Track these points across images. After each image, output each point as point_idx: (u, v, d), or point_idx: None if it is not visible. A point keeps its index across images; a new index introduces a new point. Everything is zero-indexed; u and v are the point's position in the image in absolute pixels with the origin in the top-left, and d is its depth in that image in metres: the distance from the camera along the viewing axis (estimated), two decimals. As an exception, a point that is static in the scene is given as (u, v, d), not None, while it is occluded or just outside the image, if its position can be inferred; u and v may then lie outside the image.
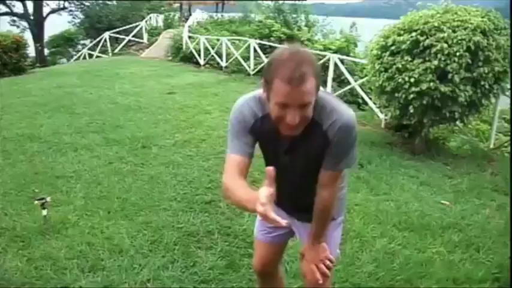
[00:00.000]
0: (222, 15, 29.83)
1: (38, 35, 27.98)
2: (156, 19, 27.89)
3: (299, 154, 1.96)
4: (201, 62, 16.71)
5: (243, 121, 1.90)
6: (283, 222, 1.35)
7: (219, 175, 5.35)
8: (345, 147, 1.89)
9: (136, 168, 5.65)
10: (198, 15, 28.82)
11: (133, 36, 24.64)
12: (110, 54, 23.27)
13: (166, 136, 7.07)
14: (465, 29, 5.86)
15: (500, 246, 3.95)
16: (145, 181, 5.25)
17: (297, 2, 16.90)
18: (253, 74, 14.12)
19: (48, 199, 4.05)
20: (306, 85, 1.63)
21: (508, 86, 6.57)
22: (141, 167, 5.73)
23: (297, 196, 2.15)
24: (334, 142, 1.84)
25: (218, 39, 16.45)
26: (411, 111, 6.11)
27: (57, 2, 30.95)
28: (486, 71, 5.87)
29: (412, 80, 5.89)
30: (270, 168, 1.42)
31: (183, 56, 17.97)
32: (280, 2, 16.93)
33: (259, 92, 1.86)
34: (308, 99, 1.67)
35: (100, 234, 3.97)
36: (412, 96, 5.97)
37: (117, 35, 24.66)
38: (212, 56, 16.25)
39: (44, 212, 3.96)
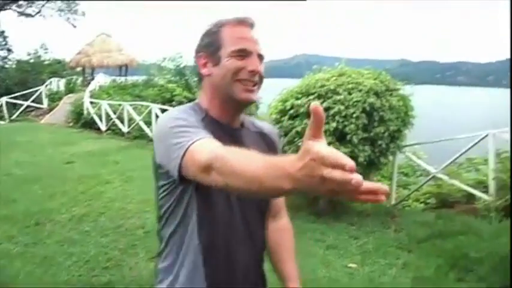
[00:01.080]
0: (125, 79, 29.48)
1: None
2: (58, 83, 27.07)
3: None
4: (103, 128, 16.27)
5: (188, 120, 1.43)
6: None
7: (118, 252, 5.05)
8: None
9: (26, 250, 5.16)
10: (101, 79, 28.30)
11: (32, 102, 23.75)
12: (7, 120, 22.20)
13: (63, 210, 6.62)
14: (360, 91, 6.04)
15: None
16: (37, 263, 4.78)
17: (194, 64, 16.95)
18: (156, 140, 13.82)
19: None
20: (254, 32, 1.53)
21: (403, 143, 6.79)
22: (33, 247, 5.25)
23: (253, 244, 1.63)
24: (280, 151, 1.72)
25: (120, 104, 16.14)
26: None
27: None
28: (382, 131, 6.05)
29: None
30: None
31: (84, 122, 17.45)
32: (182, 65, 16.94)
33: (187, 104, 1.62)
34: (262, 52, 1.53)
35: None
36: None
37: (15, 101, 23.68)
38: (114, 121, 15.88)
39: None
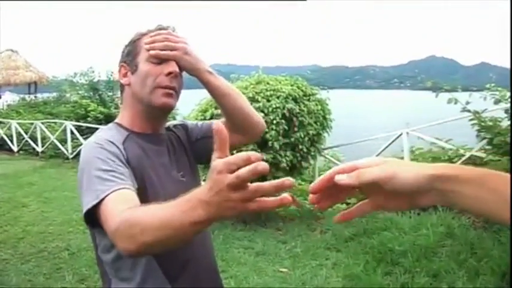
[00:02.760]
0: (35, 97, 28.31)
1: None
2: (-41, 104, 25.58)
3: (184, 166, 1.64)
4: (15, 148, 15.48)
5: (109, 151, 1.37)
6: None
7: (42, 278, 4.84)
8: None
9: None
10: (8, 97, 27.07)
11: None
12: None
13: (-23, 239, 6.23)
14: (278, 97, 6.16)
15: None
16: (-49, 299, 4.50)
17: (111, 79, 16.56)
18: (72, 158, 13.35)
19: None
20: None
21: (323, 147, 6.99)
22: None
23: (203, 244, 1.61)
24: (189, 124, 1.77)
25: (32, 123, 15.45)
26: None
27: None
28: (302, 136, 6.21)
29: (234, 151, 5.95)
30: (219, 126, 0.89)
31: (-6, 143, 16.45)
32: (95, 80, 16.53)
33: (109, 125, 1.59)
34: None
35: None
36: (236, 166, 6.01)
37: None
38: (26, 141, 15.15)
39: None
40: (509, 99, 5.69)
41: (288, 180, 0.82)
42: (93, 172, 1.29)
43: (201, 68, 1.57)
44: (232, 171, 0.81)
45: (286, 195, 0.83)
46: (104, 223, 1.18)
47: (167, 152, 1.59)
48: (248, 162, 0.81)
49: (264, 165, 0.80)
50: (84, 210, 1.25)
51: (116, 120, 1.59)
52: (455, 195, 0.77)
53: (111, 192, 1.21)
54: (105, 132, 1.49)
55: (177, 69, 1.50)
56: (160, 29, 1.53)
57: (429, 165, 0.80)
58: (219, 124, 0.87)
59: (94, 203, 1.22)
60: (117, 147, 1.39)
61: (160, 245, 1.04)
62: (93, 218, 1.23)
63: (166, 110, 1.56)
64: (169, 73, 1.48)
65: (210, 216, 0.89)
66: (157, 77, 1.47)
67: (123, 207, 1.14)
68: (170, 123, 1.71)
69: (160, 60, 1.48)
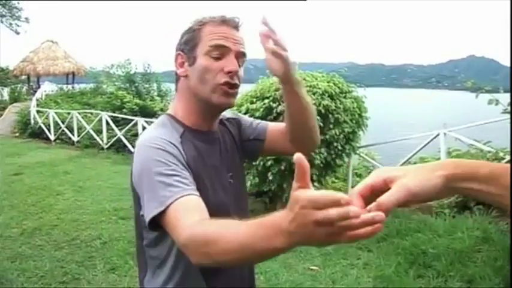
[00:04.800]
0: (72, 87, 28.88)
1: None
2: (1, 92, 26.22)
3: (233, 165, 1.58)
4: (52, 137, 15.82)
5: (170, 153, 1.31)
6: None
7: (74, 265, 4.89)
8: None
9: (-25, 268, 4.94)
10: (47, 87, 27.68)
11: (-26, 113, 22.77)
12: None
13: (13, 224, 6.37)
14: (314, 93, 6.07)
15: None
16: (-13, 282, 4.59)
17: (148, 71, 16.72)
18: (107, 148, 13.59)
19: None
20: (240, 34, 1.44)
21: (358, 145, 6.89)
22: (-18, 266, 5.02)
23: None
24: (242, 118, 1.68)
25: (69, 113, 15.74)
26: (270, 177, 6.11)
27: None
28: (337, 133, 6.11)
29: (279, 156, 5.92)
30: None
31: (31, 131, 16.93)
32: (132, 72, 16.69)
33: (162, 119, 1.50)
34: (245, 49, 1.45)
35: None
36: (270, 163, 5.98)
37: (-44, 112, 22.65)
38: (63, 130, 15.48)
39: None
40: None
41: (379, 216, 0.78)
42: (155, 177, 1.25)
43: (295, 77, 1.42)
44: (318, 209, 0.77)
45: (379, 225, 0.79)
46: (171, 230, 1.17)
47: (219, 152, 1.53)
48: (337, 204, 0.76)
49: (355, 211, 0.76)
50: (149, 217, 1.22)
51: (170, 112, 1.51)
52: (469, 191, 0.84)
53: (177, 199, 1.19)
54: (161, 131, 1.40)
55: (237, 68, 1.41)
56: (223, 21, 1.42)
57: (437, 165, 0.86)
58: (299, 155, 0.81)
59: (160, 210, 1.19)
60: (177, 149, 1.34)
61: (238, 263, 1.12)
62: (156, 223, 1.21)
63: (225, 109, 1.49)
64: (229, 72, 1.39)
65: (292, 244, 0.87)
66: (217, 74, 1.39)
67: (192, 216, 1.14)
68: (223, 114, 1.58)
69: (220, 55, 1.39)
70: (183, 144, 1.38)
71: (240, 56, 1.43)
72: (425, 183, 0.83)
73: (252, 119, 1.71)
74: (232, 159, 1.57)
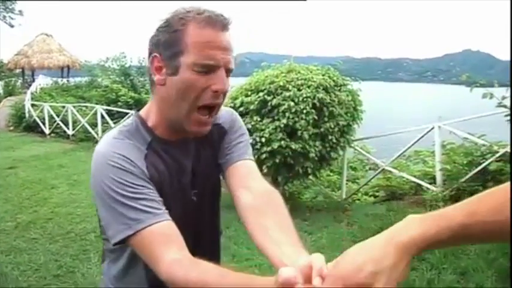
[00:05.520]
0: (67, 80, 28.77)
1: None
2: (-5, 86, 26.12)
3: (202, 180, 1.40)
4: (46, 131, 15.75)
5: (131, 173, 1.19)
6: None
7: (69, 259, 4.89)
8: (242, 129, 1.49)
9: (-30, 261, 4.92)
10: (42, 80, 27.54)
11: (-33, 105, 22.60)
12: None
13: (7, 218, 6.35)
14: (309, 87, 6.08)
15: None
16: (-19, 275, 4.57)
17: (143, 64, 16.67)
18: (102, 141, 13.58)
19: None
20: (229, 34, 1.22)
21: (353, 138, 6.89)
22: (-23, 258, 5.01)
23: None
24: (231, 130, 1.45)
25: (63, 106, 15.69)
26: (265, 170, 6.10)
27: None
28: (332, 126, 6.12)
29: (263, 139, 5.92)
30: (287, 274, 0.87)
31: (26, 125, 16.84)
32: (127, 65, 16.67)
33: (130, 124, 1.32)
34: (233, 62, 1.24)
35: None
36: (264, 156, 5.98)
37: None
38: (58, 124, 15.42)
39: None
40: None
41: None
42: (118, 197, 1.16)
43: None
44: None
45: None
46: (145, 257, 1.14)
47: (190, 164, 1.37)
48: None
49: None
50: (117, 239, 1.16)
51: (142, 114, 1.34)
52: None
53: (149, 226, 1.13)
54: (122, 144, 1.25)
55: (226, 87, 1.22)
56: (209, 22, 1.18)
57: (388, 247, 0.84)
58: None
59: (128, 233, 1.14)
60: (138, 167, 1.22)
61: None
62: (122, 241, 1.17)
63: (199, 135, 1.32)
64: (216, 91, 1.20)
65: None
66: (202, 92, 1.19)
67: (169, 248, 1.10)
68: (217, 117, 1.36)
69: (207, 70, 1.18)
70: (148, 157, 1.26)
71: (229, 70, 1.24)
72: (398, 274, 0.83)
73: (243, 136, 1.49)
74: (204, 173, 1.41)
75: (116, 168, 1.18)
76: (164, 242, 1.11)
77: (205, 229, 1.46)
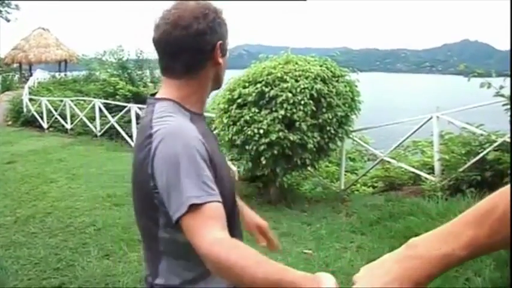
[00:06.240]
0: (65, 75, 28.71)
1: None
2: (-8, 81, 26.02)
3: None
4: (45, 125, 15.78)
5: (197, 151, 1.30)
6: None
7: (69, 252, 4.88)
8: None
9: (-31, 256, 4.92)
10: (40, 75, 27.45)
11: (-35, 101, 22.53)
12: None
13: (6, 213, 6.35)
14: (306, 78, 6.07)
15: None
16: (-19, 270, 4.57)
17: (141, 57, 16.61)
18: (101, 135, 13.61)
19: None
20: None
21: (351, 129, 6.89)
22: (-24, 253, 5.01)
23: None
24: None
25: (61, 100, 15.67)
26: (263, 162, 6.11)
27: None
28: (330, 117, 6.12)
29: (261, 131, 5.91)
30: None
31: (24, 120, 16.88)
32: (124, 59, 16.59)
33: (167, 104, 1.42)
34: None
35: None
36: (262, 147, 5.98)
37: None
38: (56, 118, 15.42)
39: None
40: None
41: None
42: (189, 173, 1.24)
43: None
44: None
45: None
46: (192, 234, 1.18)
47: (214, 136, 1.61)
48: None
49: None
50: (176, 216, 1.21)
51: (177, 99, 1.44)
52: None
53: (203, 204, 1.19)
54: (188, 124, 1.38)
55: None
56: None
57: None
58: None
59: (183, 211, 1.19)
60: (204, 145, 1.32)
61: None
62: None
63: None
64: None
65: None
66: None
67: (214, 228, 1.15)
68: None
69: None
70: (204, 136, 1.36)
71: None
72: None
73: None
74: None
75: (189, 148, 1.28)
76: (212, 221, 1.17)
77: (236, 204, 1.58)
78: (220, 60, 1.46)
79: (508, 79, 5.89)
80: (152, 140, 1.30)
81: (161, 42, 1.43)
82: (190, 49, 1.40)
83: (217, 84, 1.55)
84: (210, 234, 1.13)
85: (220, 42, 1.44)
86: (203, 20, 1.39)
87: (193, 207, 1.18)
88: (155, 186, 1.29)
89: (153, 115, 1.38)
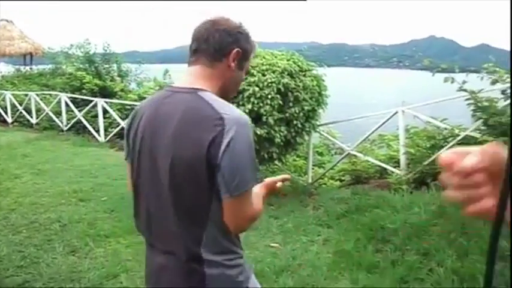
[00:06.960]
0: (30, 68, 28.09)
1: None
2: (-46, 75, 25.30)
3: None
4: (9, 120, 15.44)
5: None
6: None
7: (33, 249, 4.79)
8: None
9: None
10: (3, 68, 26.80)
11: None
12: None
13: (-32, 209, 6.19)
14: (274, 72, 6.08)
15: (331, 282, 4.02)
16: None
17: (108, 51, 16.31)
18: (67, 130, 13.38)
19: None
20: None
21: (318, 123, 6.94)
22: None
23: None
24: None
25: (26, 95, 15.34)
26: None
27: None
28: (297, 111, 6.15)
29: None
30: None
31: (-13, 115, 16.34)
32: (91, 52, 16.28)
33: (211, 96, 1.59)
34: None
35: None
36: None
37: None
38: (21, 112, 15.08)
39: None
40: (506, 80, 5.63)
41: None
42: (253, 155, 1.56)
43: None
44: None
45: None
46: (249, 203, 1.56)
47: None
48: None
49: None
50: (240, 190, 1.49)
51: (204, 88, 1.61)
52: None
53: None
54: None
55: None
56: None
57: None
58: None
59: (246, 188, 1.51)
60: None
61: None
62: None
63: None
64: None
65: None
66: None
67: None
68: None
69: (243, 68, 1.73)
70: None
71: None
72: None
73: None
74: None
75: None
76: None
77: None
78: (233, 65, 1.65)
79: (471, 75, 6.04)
80: (225, 124, 1.46)
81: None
82: (218, 37, 1.64)
83: (225, 88, 1.68)
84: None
85: (237, 50, 1.64)
86: (232, 28, 1.67)
87: (252, 186, 1.54)
88: (220, 162, 1.46)
89: (210, 101, 1.54)
